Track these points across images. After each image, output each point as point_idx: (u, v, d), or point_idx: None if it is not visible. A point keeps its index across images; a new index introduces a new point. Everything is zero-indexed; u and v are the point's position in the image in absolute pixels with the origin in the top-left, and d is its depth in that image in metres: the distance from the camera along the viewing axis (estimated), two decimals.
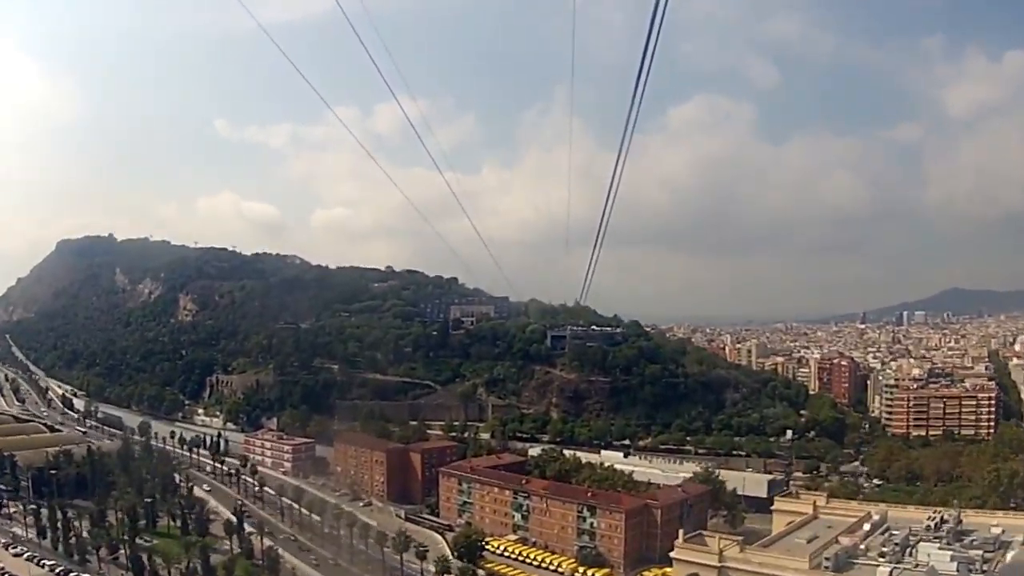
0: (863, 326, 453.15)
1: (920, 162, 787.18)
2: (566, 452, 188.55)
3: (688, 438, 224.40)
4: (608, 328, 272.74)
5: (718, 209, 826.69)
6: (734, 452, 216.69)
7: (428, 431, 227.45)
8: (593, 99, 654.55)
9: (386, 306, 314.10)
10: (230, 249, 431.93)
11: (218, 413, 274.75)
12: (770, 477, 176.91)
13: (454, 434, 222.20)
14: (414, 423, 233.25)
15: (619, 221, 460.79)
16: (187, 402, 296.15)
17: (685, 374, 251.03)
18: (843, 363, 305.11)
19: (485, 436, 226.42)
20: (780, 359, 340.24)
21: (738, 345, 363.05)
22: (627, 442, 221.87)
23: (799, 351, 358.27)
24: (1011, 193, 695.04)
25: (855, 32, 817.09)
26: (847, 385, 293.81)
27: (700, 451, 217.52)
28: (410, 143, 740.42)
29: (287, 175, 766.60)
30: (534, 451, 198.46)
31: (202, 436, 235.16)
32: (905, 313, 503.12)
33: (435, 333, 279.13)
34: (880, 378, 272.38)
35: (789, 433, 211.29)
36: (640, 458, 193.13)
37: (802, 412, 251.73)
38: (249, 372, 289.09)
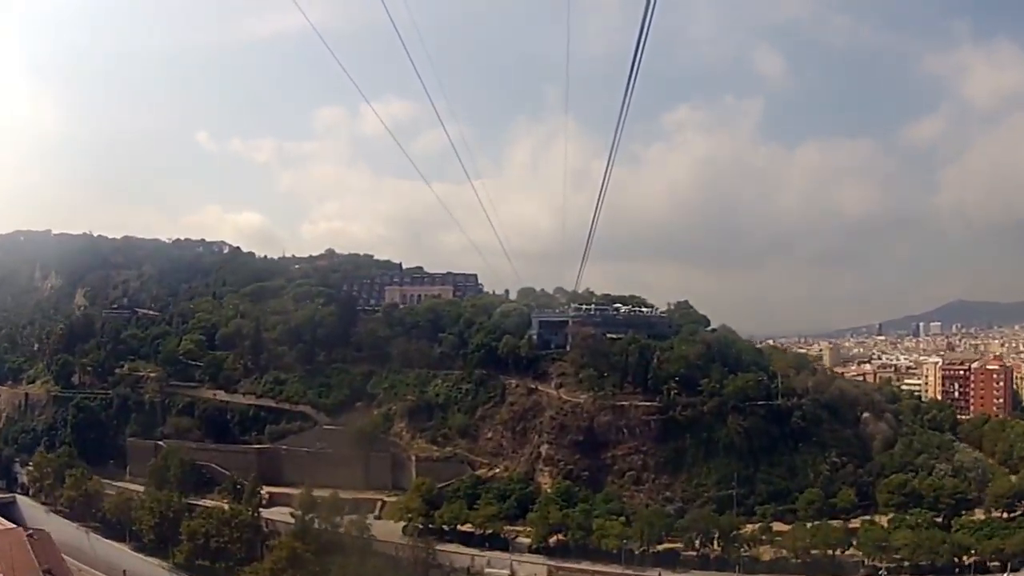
0: (882, 338, 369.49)
1: (933, 163, 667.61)
2: None
3: (835, 520, 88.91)
4: (643, 310, 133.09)
5: (721, 217, 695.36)
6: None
7: (275, 502, 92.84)
8: (591, 103, 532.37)
9: (288, 288, 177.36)
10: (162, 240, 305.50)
11: None
12: None
13: (321, 526, 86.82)
14: (264, 486, 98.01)
15: (617, 233, 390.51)
16: None
17: (791, 391, 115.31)
18: (992, 367, 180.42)
19: (390, 531, 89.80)
20: (869, 368, 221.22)
21: (799, 350, 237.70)
22: (715, 545, 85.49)
23: (879, 357, 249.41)
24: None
25: (872, 13, 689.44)
26: (1001, 401, 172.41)
27: (872, 559, 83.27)
28: (394, 151, 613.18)
29: (275, 187, 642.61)
30: None
31: None
32: (921, 324, 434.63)
33: (332, 317, 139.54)
34: None
35: None
36: None
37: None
38: (38, 383, 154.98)
